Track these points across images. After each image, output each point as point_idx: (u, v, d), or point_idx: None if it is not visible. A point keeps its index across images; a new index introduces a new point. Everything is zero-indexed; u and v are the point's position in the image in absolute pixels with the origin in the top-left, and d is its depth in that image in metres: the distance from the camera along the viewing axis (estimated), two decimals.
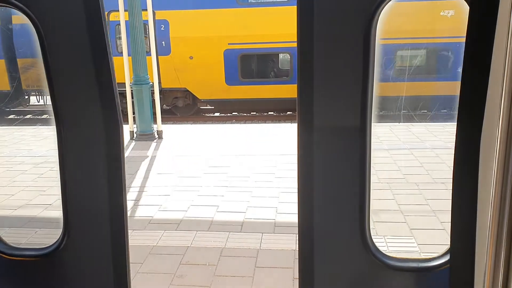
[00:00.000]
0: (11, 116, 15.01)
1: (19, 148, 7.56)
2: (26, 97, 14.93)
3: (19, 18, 12.71)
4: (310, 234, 1.60)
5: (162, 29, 12.43)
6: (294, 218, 4.29)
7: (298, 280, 1.65)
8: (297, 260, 3.49)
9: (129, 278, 1.78)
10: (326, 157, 1.51)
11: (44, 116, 14.97)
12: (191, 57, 12.50)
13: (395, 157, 6.29)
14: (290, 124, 9.08)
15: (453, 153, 1.51)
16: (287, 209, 4.56)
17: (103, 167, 1.65)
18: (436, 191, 4.92)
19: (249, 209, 4.60)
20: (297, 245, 1.62)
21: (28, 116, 15.03)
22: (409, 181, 5.29)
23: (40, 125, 13.51)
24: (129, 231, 4.16)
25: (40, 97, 14.38)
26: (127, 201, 4.86)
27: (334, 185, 1.56)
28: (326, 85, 1.46)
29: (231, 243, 3.88)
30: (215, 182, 5.45)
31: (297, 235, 1.61)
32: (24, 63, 13.12)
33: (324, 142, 1.50)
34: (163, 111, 13.44)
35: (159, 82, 12.72)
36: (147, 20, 9.47)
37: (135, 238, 4.03)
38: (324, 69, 1.45)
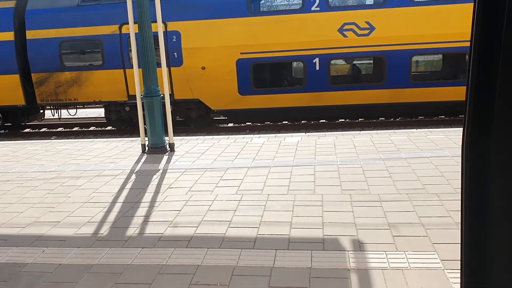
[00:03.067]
0: (27, 130, 15.12)
1: (30, 164, 7.51)
2: (41, 111, 15.04)
3: (33, 33, 12.82)
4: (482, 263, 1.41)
5: (173, 40, 12.42)
6: (309, 233, 4.11)
7: None
8: (316, 279, 3.32)
9: None
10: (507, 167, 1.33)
11: (59, 129, 15.04)
12: (203, 68, 12.45)
13: (413, 166, 6.07)
14: (304, 133, 8.89)
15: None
16: (302, 224, 4.37)
17: None
18: (458, 202, 4.69)
19: (262, 224, 4.43)
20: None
21: (43, 130, 15.12)
22: (430, 192, 5.06)
23: (54, 138, 13.56)
24: (138, 249, 4.02)
25: (55, 111, 14.45)
26: (137, 217, 4.73)
27: None
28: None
29: (243, 261, 3.71)
30: (227, 196, 5.29)
31: (462, 262, 1.43)
32: (38, 78, 13.21)
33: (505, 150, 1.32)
34: (176, 123, 13.40)
35: (172, 94, 12.68)
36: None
37: (143, 257, 3.89)
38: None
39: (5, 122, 14.79)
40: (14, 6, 13.17)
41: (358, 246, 3.87)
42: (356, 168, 6.15)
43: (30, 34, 12.91)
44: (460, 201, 1.42)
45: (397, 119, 13.09)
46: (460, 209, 1.44)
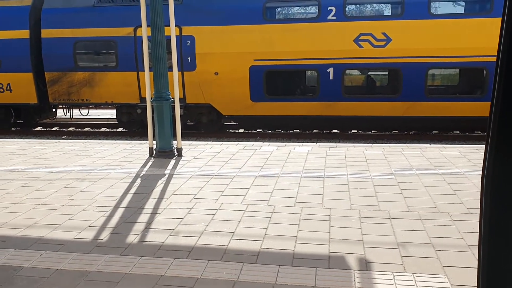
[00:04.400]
0: (38, 128, 15.16)
1: (36, 163, 7.46)
2: (53, 110, 15.08)
3: (48, 32, 12.86)
4: None
5: (188, 44, 12.38)
6: (314, 249, 3.95)
7: None
8: None
9: None
10: None
11: (71, 129, 15.06)
12: (216, 73, 12.38)
13: (426, 183, 5.88)
14: (315, 143, 8.73)
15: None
16: (308, 239, 4.22)
17: None
18: (471, 223, 4.51)
19: (266, 237, 4.28)
20: None
21: (54, 129, 15.16)
22: (441, 211, 4.88)
23: (65, 137, 13.56)
24: (137, 257, 3.90)
25: (67, 110, 14.47)
26: (139, 224, 4.62)
27: None
28: None
29: (244, 276, 3.57)
30: (232, 206, 5.15)
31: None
32: (51, 77, 13.24)
33: None
34: (187, 127, 13.33)
35: (184, 98, 12.61)
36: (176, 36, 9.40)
37: (142, 266, 3.77)
38: None
39: (17, 120, 14.85)
40: (30, 4, 13.24)
41: (365, 265, 3.71)
42: (367, 182, 5.99)
43: (45, 33, 12.95)
44: (476, 221, 1.32)
45: (410, 133, 12.88)
46: (478, 231, 1.31)
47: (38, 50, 13.18)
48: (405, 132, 12.99)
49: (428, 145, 8.39)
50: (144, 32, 7.42)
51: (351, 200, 5.27)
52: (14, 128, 14.77)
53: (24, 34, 13.09)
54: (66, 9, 12.99)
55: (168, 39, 7.58)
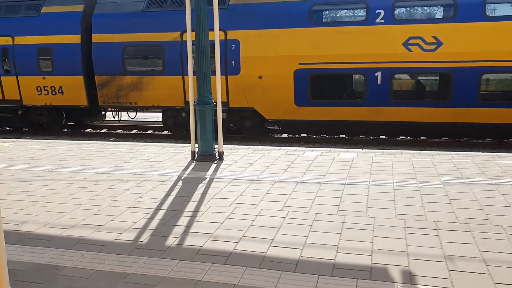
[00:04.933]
0: (88, 130, 15.65)
1: (83, 164, 7.65)
2: (103, 112, 15.53)
3: (99, 37, 13.25)
4: None
5: (232, 48, 12.42)
6: (356, 259, 3.78)
7: None
8: None
9: None
10: None
11: (119, 131, 15.46)
12: (260, 77, 12.35)
13: (477, 193, 5.57)
14: (360, 149, 8.51)
15: None
16: (349, 249, 4.06)
17: None
18: None
19: (306, 245, 4.16)
20: None
21: (103, 131, 15.60)
22: (494, 223, 4.59)
23: (113, 139, 13.91)
24: (175, 261, 3.87)
25: (115, 113, 14.84)
26: (179, 227, 4.60)
27: None
28: None
29: (282, 285, 3.46)
30: (272, 212, 5.06)
31: None
32: (101, 80, 13.63)
33: None
34: (230, 131, 13.37)
35: (227, 102, 12.65)
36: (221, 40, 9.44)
37: (180, 270, 3.74)
38: None
39: (68, 122, 15.39)
40: (82, 10, 13.70)
41: (409, 278, 3.52)
42: (414, 191, 5.74)
43: (96, 38, 13.36)
44: None
45: (461, 140, 12.35)
46: None
47: (89, 54, 13.61)
48: (456, 139, 12.47)
49: (480, 153, 7.98)
50: (189, 36, 7.47)
51: (396, 209, 5.06)
52: (65, 130, 15.31)
53: (76, 38, 13.55)
54: (116, 14, 13.35)
55: (213, 43, 7.60)
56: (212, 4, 7.43)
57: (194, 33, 7.53)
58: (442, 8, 12.68)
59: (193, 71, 7.76)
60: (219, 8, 7.64)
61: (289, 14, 12.12)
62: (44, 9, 13.95)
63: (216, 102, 7.61)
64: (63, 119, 15.09)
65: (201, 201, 5.53)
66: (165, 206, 5.39)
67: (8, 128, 15.45)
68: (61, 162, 7.86)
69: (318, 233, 4.45)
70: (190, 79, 7.61)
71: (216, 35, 7.44)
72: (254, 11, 12.38)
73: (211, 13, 7.44)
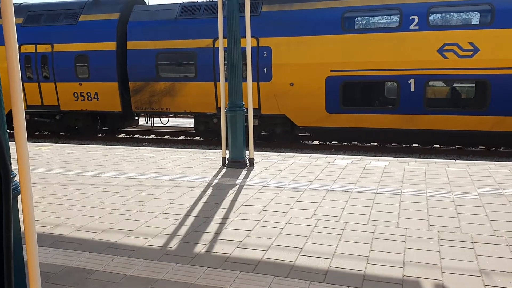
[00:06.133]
0: (121, 135, 15.95)
1: (116, 169, 7.78)
2: (136, 118, 15.80)
3: (133, 44, 13.51)
4: None
5: (264, 55, 12.43)
6: (387, 271, 3.70)
7: None
8: None
9: None
10: None
11: (151, 136, 15.69)
12: (291, 84, 12.32)
13: None
14: (392, 157, 8.35)
15: None
16: (380, 260, 3.97)
17: None
18: None
19: (335, 255, 4.09)
20: None
21: (136, 136, 15.86)
22: None
23: (146, 145, 14.12)
24: (203, 268, 3.87)
25: (148, 118, 15.07)
26: (208, 234, 4.61)
27: None
28: None
29: None
30: (301, 220, 5.01)
31: None
32: (134, 86, 13.87)
33: None
34: (261, 137, 13.36)
35: (259, 108, 12.66)
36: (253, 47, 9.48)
37: (207, 277, 3.74)
38: None
39: (103, 127, 15.72)
40: (118, 18, 14.01)
41: None
42: (448, 201, 5.58)
43: (131, 45, 13.62)
44: None
45: (498, 149, 11.97)
46: None
47: (123, 61, 13.89)
48: (493, 148, 12.09)
49: None
50: (221, 43, 7.53)
51: (429, 220, 4.92)
52: (99, 135, 15.65)
53: (111, 46, 13.85)
54: (151, 21, 13.60)
55: (244, 50, 7.63)
56: (244, 12, 7.47)
57: (226, 40, 7.58)
58: (479, 14, 12.36)
59: (225, 78, 7.80)
60: (251, 15, 7.66)
61: (321, 21, 12.05)
62: (82, 18, 14.33)
63: (247, 108, 7.62)
64: (98, 124, 15.43)
65: (230, 208, 5.53)
66: (195, 212, 5.42)
67: (46, 132, 15.90)
68: (95, 166, 8.02)
69: (348, 243, 4.37)
70: (222, 85, 7.65)
71: (248, 42, 7.47)
72: (286, 18, 12.37)
73: (243, 20, 7.47)
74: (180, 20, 13.34)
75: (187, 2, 13.85)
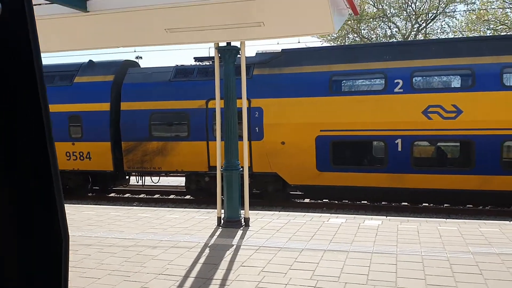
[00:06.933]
0: (112, 194, 15.89)
1: (112, 229, 7.78)
2: (127, 177, 15.83)
3: (127, 105, 13.80)
4: None
5: (256, 115, 12.78)
6: None
7: None
8: None
9: None
10: None
11: (142, 195, 15.66)
12: (283, 143, 12.60)
13: (508, 264, 5.50)
14: (385, 216, 8.49)
15: None
16: None
17: None
18: None
19: None
20: None
21: (126, 195, 15.82)
22: None
23: (136, 204, 14.08)
24: None
25: (139, 177, 15.11)
26: None
27: None
28: None
29: None
30: (301, 281, 5.05)
31: None
32: (127, 146, 14.01)
33: None
34: (252, 196, 13.45)
35: (251, 166, 12.85)
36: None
37: None
38: None
39: (94, 186, 15.69)
40: (112, 79, 14.38)
41: None
42: (443, 261, 5.69)
43: (125, 106, 13.91)
44: None
45: (487, 208, 12.20)
46: None
47: (117, 121, 14.12)
48: (481, 207, 12.32)
49: (508, 222, 7.90)
50: (218, 104, 7.81)
51: (426, 280, 5.01)
52: (90, 194, 15.58)
53: (106, 106, 14.13)
54: (145, 83, 13.98)
55: (238, 111, 7.91)
56: (237, 75, 7.82)
57: (222, 100, 7.86)
58: (460, 78, 12.98)
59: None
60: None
61: (310, 84, 12.52)
62: (77, 79, 14.67)
63: (243, 167, 7.79)
64: (89, 184, 15.41)
65: (229, 269, 5.56)
66: (194, 273, 5.43)
67: None
68: (90, 227, 8.00)
69: None
70: (218, 144, 7.85)
71: (244, 103, 7.77)
72: (276, 81, 12.84)
73: (236, 83, 7.80)
74: (174, 82, 13.75)
75: (181, 65, 14.34)
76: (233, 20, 6.36)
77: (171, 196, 15.47)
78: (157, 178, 15.46)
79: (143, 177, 15.17)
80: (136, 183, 15.85)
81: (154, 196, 15.45)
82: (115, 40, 7.24)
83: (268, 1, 5.94)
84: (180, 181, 18.22)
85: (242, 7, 5.82)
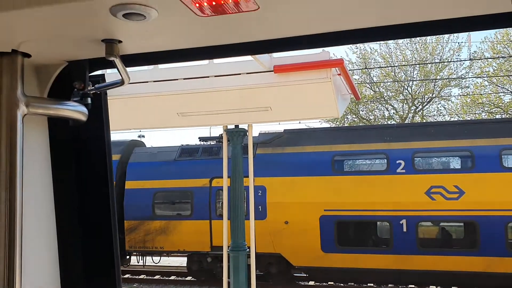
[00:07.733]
0: None
1: None
2: (128, 257, 15.59)
3: (132, 183, 13.95)
4: None
5: (259, 194, 12.86)
6: None
7: None
8: None
9: None
10: None
11: (141, 276, 15.32)
12: (286, 222, 12.58)
13: None
14: None
15: None
16: None
17: None
18: None
19: None
20: None
21: (126, 276, 15.48)
22: None
23: (136, 285, 13.76)
24: None
25: (140, 257, 14.91)
26: None
27: None
28: None
29: None
30: None
31: None
32: (130, 225, 13.98)
33: None
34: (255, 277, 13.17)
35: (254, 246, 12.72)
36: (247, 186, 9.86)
37: None
38: None
39: None
40: (118, 159, 14.63)
41: None
42: None
43: (129, 184, 14.05)
44: None
45: None
46: None
47: (120, 200, 14.17)
48: None
49: None
50: (225, 182, 7.92)
51: None
52: None
53: None
54: (150, 163, 14.23)
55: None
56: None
57: (228, 179, 7.98)
58: (460, 159, 13.22)
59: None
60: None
61: (312, 163, 12.73)
62: None
63: (249, 248, 7.74)
64: None
65: None
66: None
67: None
68: None
69: None
70: (225, 223, 7.86)
71: (251, 182, 7.88)
72: (279, 160, 13.07)
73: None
74: (178, 161, 14.00)
75: (186, 144, 14.68)
76: (242, 105, 6.66)
77: (172, 277, 15.14)
78: (158, 258, 15.22)
79: (144, 257, 14.94)
80: (136, 263, 15.58)
81: (155, 277, 15.12)
82: (128, 123, 7.51)
83: (276, 88, 6.27)
84: (181, 261, 17.90)
85: (250, 93, 6.13)
